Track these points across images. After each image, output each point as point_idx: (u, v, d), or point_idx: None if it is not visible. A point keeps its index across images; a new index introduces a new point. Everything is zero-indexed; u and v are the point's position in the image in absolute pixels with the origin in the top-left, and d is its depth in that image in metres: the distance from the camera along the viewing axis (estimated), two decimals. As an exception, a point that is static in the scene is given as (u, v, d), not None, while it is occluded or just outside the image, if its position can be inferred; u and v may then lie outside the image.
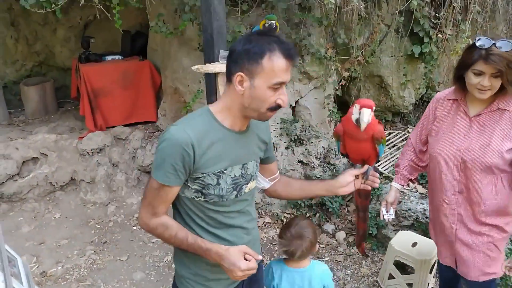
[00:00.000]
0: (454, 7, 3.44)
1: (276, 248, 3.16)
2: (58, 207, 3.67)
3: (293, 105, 3.71)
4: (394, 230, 3.01)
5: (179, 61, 3.74)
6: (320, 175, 3.46)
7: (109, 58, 4.50)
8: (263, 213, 3.50)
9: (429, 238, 2.17)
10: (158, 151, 1.22)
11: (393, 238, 2.71)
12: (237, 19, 3.27)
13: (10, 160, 3.60)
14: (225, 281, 1.38)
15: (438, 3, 3.62)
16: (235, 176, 1.30)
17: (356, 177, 1.52)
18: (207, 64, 2.61)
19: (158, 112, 4.46)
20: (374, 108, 1.41)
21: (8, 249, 1.34)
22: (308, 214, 3.40)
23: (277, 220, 3.44)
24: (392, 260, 2.63)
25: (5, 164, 3.55)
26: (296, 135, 3.58)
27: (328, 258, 3.08)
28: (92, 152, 3.85)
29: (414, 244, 2.60)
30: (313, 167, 3.54)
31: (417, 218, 2.94)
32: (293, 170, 3.54)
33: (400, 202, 3.01)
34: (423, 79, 4.16)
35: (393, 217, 1.96)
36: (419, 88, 4.20)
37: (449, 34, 3.58)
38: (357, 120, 1.42)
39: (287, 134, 3.60)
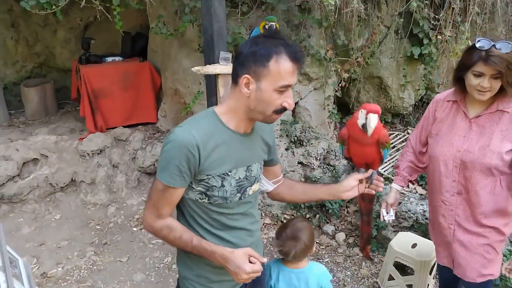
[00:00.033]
0: (453, 8, 3.46)
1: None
2: (59, 208, 3.67)
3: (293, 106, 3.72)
4: (394, 231, 3.02)
5: (179, 62, 3.75)
6: (320, 176, 3.46)
7: (109, 59, 4.51)
8: (263, 214, 3.50)
9: (429, 239, 2.18)
10: (163, 152, 1.22)
11: (393, 239, 2.71)
12: (237, 21, 3.28)
13: (11, 161, 3.60)
14: (228, 282, 1.38)
15: (437, 4, 3.63)
16: (239, 178, 1.30)
17: (360, 181, 1.52)
18: (207, 66, 2.61)
19: (158, 113, 4.47)
20: (380, 113, 1.41)
21: (9, 250, 1.35)
22: (308, 215, 3.41)
23: (277, 221, 3.44)
24: (392, 261, 2.64)
25: (5, 165, 3.55)
26: (296, 136, 3.58)
27: (328, 259, 3.08)
28: (92, 153, 3.86)
29: (414, 245, 2.60)
30: (313, 168, 3.55)
31: (416, 219, 2.94)
32: (293, 171, 3.55)
33: (400, 203, 3.01)
34: (423, 80, 4.17)
35: (393, 218, 1.96)
36: (418, 89, 4.21)
37: (448, 36, 3.60)
38: (364, 125, 1.42)
39: (287, 135, 3.61)
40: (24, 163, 3.70)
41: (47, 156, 3.79)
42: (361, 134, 1.45)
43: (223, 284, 1.38)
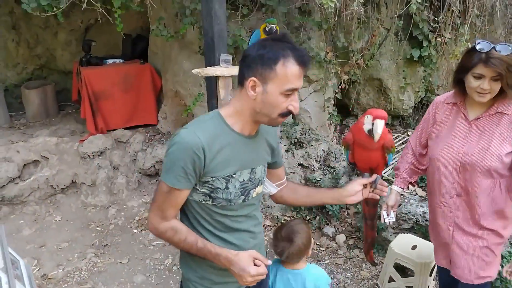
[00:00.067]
0: (453, 11, 3.47)
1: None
2: (59, 210, 3.68)
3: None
4: (394, 233, 3.02)
5: (179, 64, 3.76)
6: (320, 178, 3.47)
7: (110, 61, 4.52)
8: (264, 216, 3.50)
9: (429, 241, 2.18)
10: (168, 154, 1.22)
11: (393, 241, 2.72)
12: (238, 23, 3.29)
13: (11, 163, 3.60)
14: (232, 284, 1.38)
15: (437, 7, 3.64)
16: (243, 180, 1.30)
17: (364, 186, 1.52)
18: (207, 68, 2.62)
19: (158, 115, 4.48)
20: (387, 118, 1.41)
21: (11, 251, 1.35)
22: (308, 217, 3.41)
23: (277, 223, 3.44)
24: (392, 263, 2.64)
25: (6, 167, 3.56)
26: (296, 138, 3.59)
27: (328, 261, 3.08)
28: (93, 155, 3.86)
29: (414, 247, 2.60)
30: (313, 170, 3.55)
31: (417, 221, 2.95)
32: (293, 173, 3.55)
33: (400, 205, 3.01)
34: (423, 82, 4.18)
35: (394, 220, 1.97)
36: (418, 91, 4.22)
37: (448, 38, 3.61)
38: (370, 131, 1.42)
39: (287, 137, 3.61)
40: (24, 165, 3.71)
41: (48, 158, 3.80)
42: (367, 140, 1.45)
43: (226, 286, 1.38)
